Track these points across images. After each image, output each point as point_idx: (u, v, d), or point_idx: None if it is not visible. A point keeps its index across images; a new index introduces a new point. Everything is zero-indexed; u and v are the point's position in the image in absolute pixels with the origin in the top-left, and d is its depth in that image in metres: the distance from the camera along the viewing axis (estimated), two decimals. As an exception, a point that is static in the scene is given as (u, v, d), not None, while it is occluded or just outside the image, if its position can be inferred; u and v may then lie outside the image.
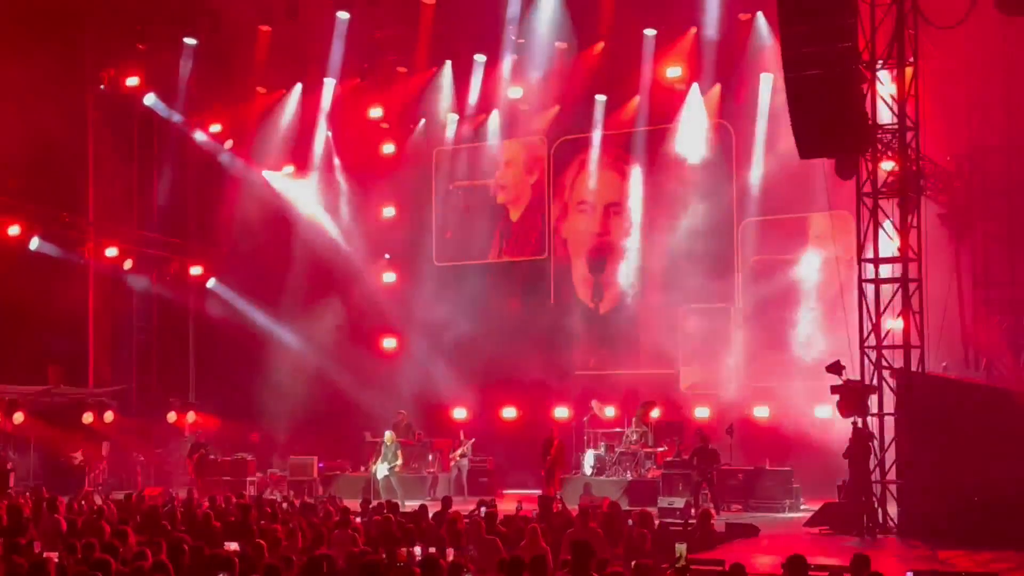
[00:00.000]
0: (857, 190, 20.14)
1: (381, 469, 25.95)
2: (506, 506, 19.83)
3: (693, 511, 20.43)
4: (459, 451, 26.90)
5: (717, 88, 27.80)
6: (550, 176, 30.31)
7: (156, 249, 31.04)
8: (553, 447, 24.60)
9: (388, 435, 26.46)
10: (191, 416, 30.19)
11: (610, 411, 27.22)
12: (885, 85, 19.97)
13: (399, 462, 26.13)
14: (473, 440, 27.19)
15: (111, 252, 29.41)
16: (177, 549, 11.62)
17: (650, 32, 27.54)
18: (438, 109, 30.60)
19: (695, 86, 27.91)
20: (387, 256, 31.73)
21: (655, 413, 26.64)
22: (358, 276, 31.31)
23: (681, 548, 12.63)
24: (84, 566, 10.68)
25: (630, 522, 16.16)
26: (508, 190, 31.15)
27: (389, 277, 31.61)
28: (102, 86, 29.68)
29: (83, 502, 20.47)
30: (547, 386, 29.36)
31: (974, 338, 23.55)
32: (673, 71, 27.75)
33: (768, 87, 26.75)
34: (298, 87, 30.45)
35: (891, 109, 19.80)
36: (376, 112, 30.70)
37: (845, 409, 19.62)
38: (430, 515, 17.42)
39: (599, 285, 29.59)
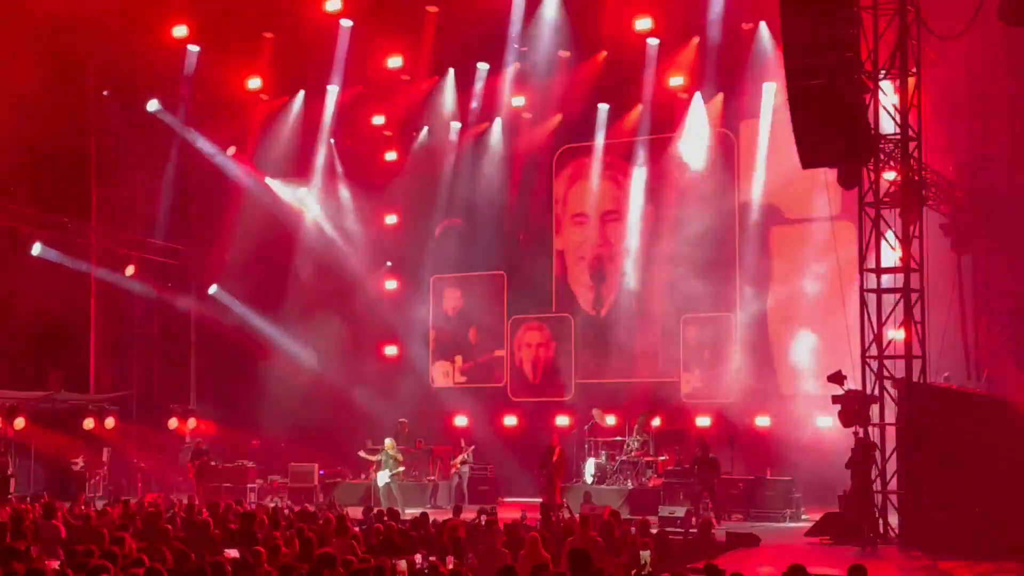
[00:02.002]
0: (859, 200, 20.13)
1: (382, 476, 25.93)
2: (509, 514, 19.76)
3: (694, 520, 20.41)
4: (459, 458, 26.87)
5: (720, 97, 27.81)
6: (552, 184, 30.31)
7: (158, 255, 31.04)
8: (554, 455, 24.59)
9: (388, 443, 26.45)
10: (192, 423, 30.18)
11: (611, 419, 27.19)
12: (887, 95, 19.97)
13: (400, 470, 26.14)
14: (473, 447, 27.16)
15: (113, 258, 29.43)
16: (178, 555, 11.60)
17: (653, 41, 27.56)
18: (441, 117, 30.62)
19: (697, 95, 27.94)
20: (388, 264, 31.74)
21: (656, 422, 26.65)
22: (360, 283, 31.33)
23: (645, 555, 12.67)
24: (83, 572, 10.67)
25: (633, 530, 16.14)
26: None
27: (391, 285, 31.62)
28: (105, 92, 29.71)
29: (84, 507, 20.44)
30: (548, 394, 29.38)
31: (975, 348, 23.54)
32: (675, 79, 27.81)
33: (771, 96, 26.77)
34: (301, 94, 30.47)
35: (893, 119, 19.79)
36: (379, 120, 30.80)
37: (846, 419, 19.61)
38: (431, 523, 17.40)
39: (600, 293, 29.58)
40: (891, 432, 19.72)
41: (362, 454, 27.03)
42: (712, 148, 28.24)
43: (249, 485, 27.00)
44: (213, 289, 31.43)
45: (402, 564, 12.51)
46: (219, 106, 30.05)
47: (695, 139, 28.37)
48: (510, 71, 29.00)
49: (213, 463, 27.42)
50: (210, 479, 26.86)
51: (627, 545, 14.79)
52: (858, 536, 19.01)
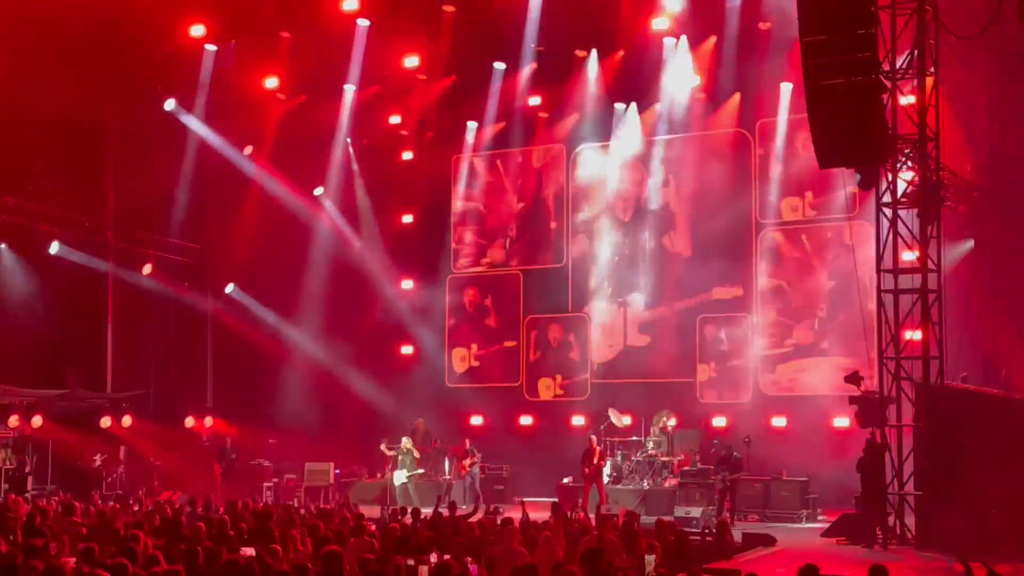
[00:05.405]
0: (877, 200, 20.08)
1: (398, 476, 26.01)
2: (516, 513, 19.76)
3: (716, 520, 20.32)
4: (467, 460, 26.91)
5: (737, 97, 27.75)
6: (568, 184, 30.30)
7: (175, 254, 31.14)
8: (595, 457, 24.58)
9: (405, 442, 26.54)
10: (208, 421, 30.27)
11: (627, 419, 27.14)
12: (905, 95, 19.91)
13: (420, 471, 26.25)
14: (479, 454, 27.08)
15: (131, 257, 29.54)
16: (192, 554, 11.62)
17: (670, 41, 27.55)
18: (457, 116, 30.63)
19: (713, 92, 27.91)
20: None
21: (672, 422, 26.62)
22: (376, 282, 31.37)
23: (650, 559, 12.59)
24: (101, 569, 10.68)
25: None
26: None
27: (407, 284, 31.66)
28: (123, 91, 29.76)
29: (99, 504, 20.50)
30: (564, 394, 29.37)
31: (993, 349, 23.45)
32: (692, 78, 27.83)
33: (788, 96, 26.71)
34: (318, 94, 30.47)
35: (911, 119, 19.73)
36: (395, 119, 30.87)
37: (863, 420, 19.57)
38: (447, 523, 17.40)
39: (616, 293, 29.50)
40: (908, 433, 19.66)
41: (384, 448, 27.11)
42: (729, 148, 28.20)
43: (265, 484, 27.09)
44: (230, 288, 31.51)
45: (423, 569, 12.45)
46: (236, 105, 30.10)
47: (712, 139, 28.33)
48: (527, 71, 29.02)
49: (238, 465, 27.60)
50: (234, 480, 27.04)
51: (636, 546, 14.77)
52: (871, 537, 19.00)
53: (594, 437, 25.21)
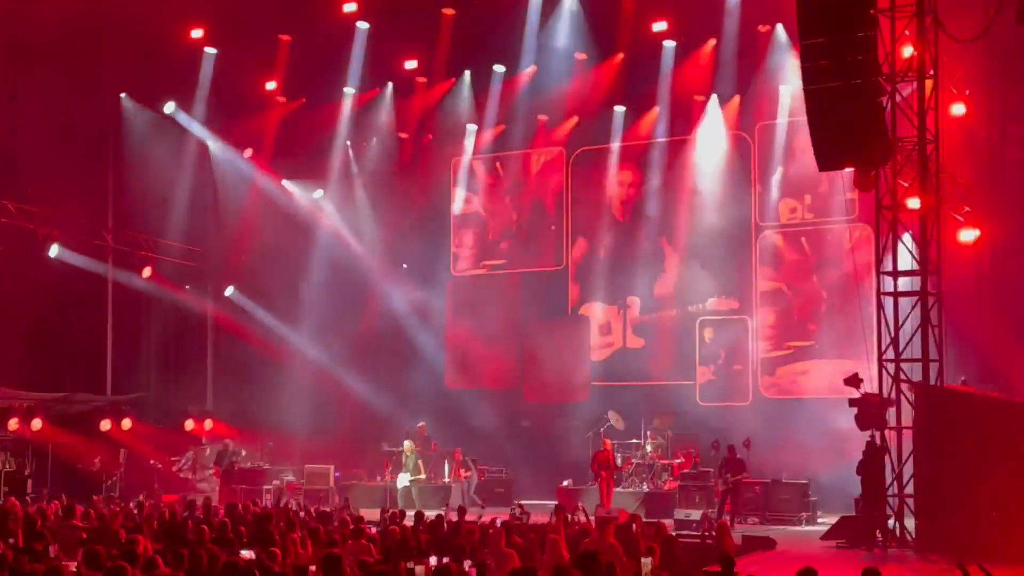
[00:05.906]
0: (876, 202, 20.09)
1: (402, 479, 25.98)
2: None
3: (714, 523, 20.32)
4: (463, 471, 26.87)
5: (736, 99, 27.76)
6: (568, 186, 30.30)
7: (175, 257, 31.12)
8: (611, 458, 24.57)
9: (407, 445, 26.49)
10: (208, 424, 30.25)
11: (626, 422, 27.13)
12: (905, 97, 19.91)
13: (422, 475, 26.23)
14: (474, 468, 27.10)
15: (130, 260, 29.53)
16: (194, 557, 11.61)
17: (669, 44, 27.55)
18: (457, 119, 30.64)
19: (713, 97, 27.90)
20: (404, 266, 31.71)
21: (671, 424, 26.61)
22: (375, 284, 31.34)
23: (646, 562, 12.57)
24: (101, 572, 10.68)
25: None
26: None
27: (406, 286, 31.62)
28: (123, 94, 29.79)
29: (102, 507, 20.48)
30: (563, 397, 29.35)
31: (993, 351, 23.44)
32: (691, 82, 27.87)
33: (787, 99, 26.71)
34: (317, 96, 30.49)
35: (911, 122, 19.74)
36: (394, 122, 30.85)
37: (863, 422, 19.57)
38: (446, 526, 17.39)
39: (616, 295, 29.49)
40: (908, 435, 19.66)
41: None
42: (728, 151, 28.20)
43: (264, 486, 27.07)
44: (230, 291, 31.49)
45: (419, 569, 12.45)
46: (236, 108, 30.11)
47: (711, 142, 28.32)
48: (526, 73, 29.02)
49: (239, 467, 27.59)
50: (234, 482, 27.03)
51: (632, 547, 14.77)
52: (871, 540, 19.00)
53: (608, 439, 25.21)
